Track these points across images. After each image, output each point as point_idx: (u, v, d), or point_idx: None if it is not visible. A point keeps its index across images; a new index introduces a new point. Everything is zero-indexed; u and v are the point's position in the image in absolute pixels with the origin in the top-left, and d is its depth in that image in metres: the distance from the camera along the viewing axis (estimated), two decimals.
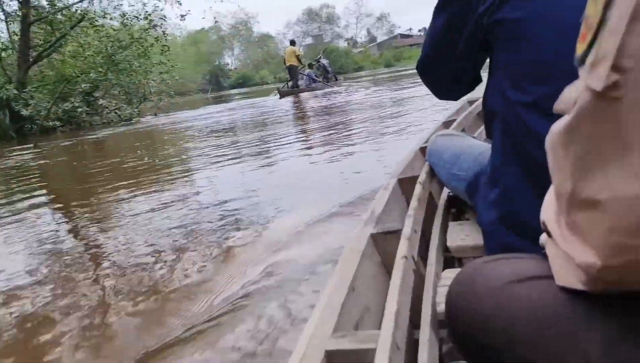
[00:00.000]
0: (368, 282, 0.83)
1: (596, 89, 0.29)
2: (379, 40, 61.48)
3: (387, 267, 0.92)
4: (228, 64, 60.79)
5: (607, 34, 0.28)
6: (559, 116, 0.35)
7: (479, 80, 1.01)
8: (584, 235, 0.35)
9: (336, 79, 17.66)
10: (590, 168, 0.32)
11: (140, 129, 10.42)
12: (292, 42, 16.96)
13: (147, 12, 14.51)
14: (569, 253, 0.37)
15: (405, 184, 1.33)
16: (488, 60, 0.91)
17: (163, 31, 14.69)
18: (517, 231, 0.79)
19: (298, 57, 15.91)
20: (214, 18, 16.21)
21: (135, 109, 14.35)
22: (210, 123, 9.47)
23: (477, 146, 1.16)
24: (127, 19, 14.18)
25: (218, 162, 4.51)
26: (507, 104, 0.80)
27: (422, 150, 1.59)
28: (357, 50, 58.47)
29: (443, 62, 0.98)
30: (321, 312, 0.64)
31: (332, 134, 5.21)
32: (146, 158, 5.55)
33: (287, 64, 15.85)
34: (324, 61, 17.47)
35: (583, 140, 0.32)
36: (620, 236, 0.31)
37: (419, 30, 70.00)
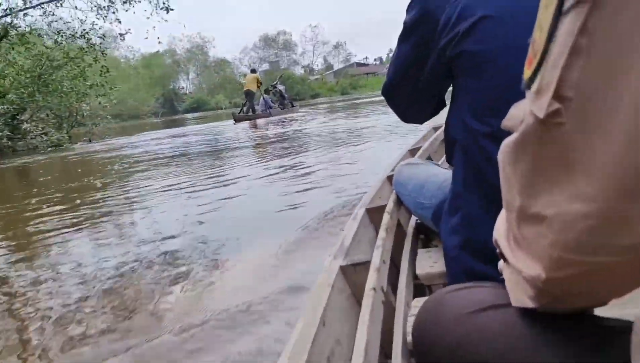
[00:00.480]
0: (339, 315, 0.83)
1: (539, 115, 0.30)
2: (335, 68, 61.96)
3: (358, 299, 0.91)
4: (183, 88, 59.46)
5: (550, 66, 0.29)
6: None
7: (443, 105, 1.03)
8: (530, 249, 0.36)
9: (292, 105, 17.30)
10: (536, 186, 0.33)
11: (70, 157, 9.23)
12: (254, 70, 16.72)
13: (84, 30, 13.47)
14: (518, 267, 0.38)
15: (374, 214, 1.35)
16: (451, 86, 0.91)
17: (102, 51, 13.55)
18: (479, 256, 0.81)
19: (259, 85, 15.53)
20: (158, 39, 15.77)
21: (65, 134, 13.08)
22: (146, 151, 8.69)
23: (440, 174, 1.19)
24: (61, 36, 12.98)
25: (143, 199, 3.93)
26: (467, 132, 0.82)
27: (390, 178, 1.61)
28: (314, 77, 58.67)
29: (407, 88, 0.99)
30: (292, 347, 0.64)
31: (286, 168, 4.72)
32: (53, 195, 4.59)
33: (245, 89, 15.26)
34: (281, 87, 16.99)
35: (529, 159, 0.33)
36: (561, 251, 0.32)
37: (375, 60, 71.62)
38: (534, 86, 0.31)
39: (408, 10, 0.92)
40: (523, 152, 0.33)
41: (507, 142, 0.35)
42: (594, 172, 0.29)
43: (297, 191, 3.46)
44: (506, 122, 0.36)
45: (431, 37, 0.85)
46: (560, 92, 0.29)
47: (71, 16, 13.26)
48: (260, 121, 13.44)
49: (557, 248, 0.33)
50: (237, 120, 14.43)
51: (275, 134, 8.85)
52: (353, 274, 0.96)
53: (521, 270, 0.38)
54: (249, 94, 15.31)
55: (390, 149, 4.51)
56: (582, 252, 0.31)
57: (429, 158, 2.06)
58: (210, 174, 4.78)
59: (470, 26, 0.77)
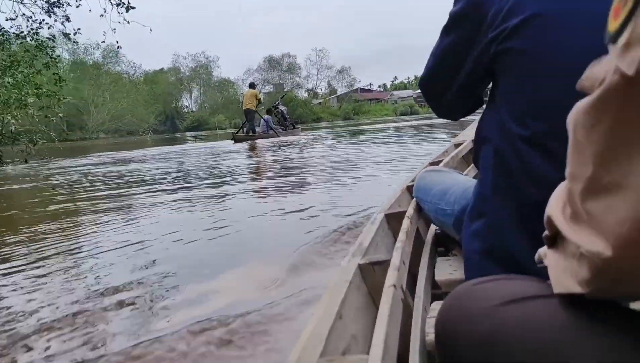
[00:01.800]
0: (355, 311, 0.81)
1: (627, 73, 0.27)
2: (339, 93, 62.11)
3: (374, 298, 0.90)
4: (187, 106, 59.56)
5: None
6: (556, 153, 0.38)
7: (480, 103, 0.98)
8: (596, 223, 0.33)
9: (294, 127, 16.80)
10: (613, 153, 0.30)
11: None
12: (252, 85, 15.81)
13: (31, 29, 11.05)
14: (576, 242, 0.35)
15: (393, 220, 1.33)
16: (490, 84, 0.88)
17: (51, 56, 11.21)
18: (501, 263, 0.78)
19: (259, 100, 14.83)
20: (117, 43, 12.44)
21: None
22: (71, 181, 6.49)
23: (464, 181, 1.17)
24: (2, 34, 10.77)
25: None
26: (503, 135, 0.78)
27: (409, 188, 1.61)
28: (317, 101, 58.72)
29: (445, 81, 0.95)
30: (307, 338, 0.64)
31: (286, 197, 4.02)
32: None
33: (245, 107, 14.72)
34: (282, 108, 16.60)
35: (609, 121, 0.30)
36: (632, 228, 0.29)
37: (379, 86, 72.02)
38: (622, 39, 0.27)
39: (455, 1, 0.86)
40: (603, 113, 0.30)
41: (581, 104, 0.32)
42: None
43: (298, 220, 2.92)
44: (583, 82, 0.32)
45: (477, 31, 0.81)
46: None
47: (14, 11, 11.04)
48: (260, 142, 12.93)
49: (627, 224, 0.29)
50: (237, 140, 13.92)
51: (275, 158, 8.32)
52: (371, 273, 0.94)
53: (581, 244, 0.34)
54: (248, 113, 14.70)
55: (398, 179, 3.91)
56: None
57: None
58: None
59: (520, 23, 0.72)
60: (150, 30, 11.02)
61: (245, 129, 14.98)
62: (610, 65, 0.29)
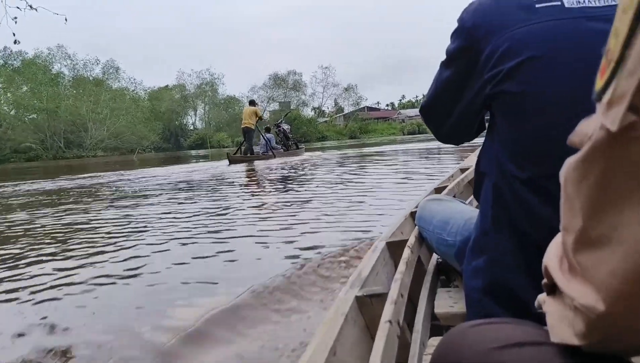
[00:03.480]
0: (350, 346, 0.80)
1: (611, 129, 0.28)
2: (345, 111, 61.01)
3: (372, 331, 0.89)
4: (193, 124, 58.79)
5: (625, 74, 0.28)
6: (554, 196, 0.36)
7: (483, 128, 0.96)
8: (588, 276, 0.33)
9: (297, 147, 15.55)
10: (603, 206, 0.31)
11: None
12: (252, 103, 14.55)
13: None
14: (570, 294, 0.35)
15: (394, 248, 1.32)
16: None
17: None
18: (502, 302, 0.78)
19: (259, 119, 13.56)
20: (14, 36, 8.74)
21: None
22: None
23: (466, 212, 1.15)
24: None
25: None
26: (502, 174, 0.79)
27: (413, 215, 1.58)
28: (324, 119, 57.67)
29: (444, 111, 0.95)
30: None
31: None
32: None
33: (243, 125, 13.48)
34: (285, 126, 15.37)
35: (596, 176, 0.31)
36: (622, 281, 0.30)
37: (387, 105, 71.14)
38: (606, 97, 0.29)
39: (452, 37, 0.86)
40: (590, 168, 0.31)
41: (572, 159, 0.33)
42: None
43: None
44: (573, 138, 0.33)
45: (473, 68, 0.80)
46: (636, 103, 0.27)
47: None
48: (259, 164, 11.71)
49: (618, 277, 0.30)
50: (232, 161, 12.64)
51: (272, 189, 7.03)
52: (369, 306, 0.92)
53: (574, 297, 0.34)
54: (247, 132, 13.48)
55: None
56: None
57: (454, 197, 1.91)
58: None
59: (516, 66, 0.72)
60: (65, 20, 8.71)
61: (243, 149, 13.74)
62: (597, 121, 0.30)
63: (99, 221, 4.29)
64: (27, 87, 38.70)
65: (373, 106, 67.05)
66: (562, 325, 0.38)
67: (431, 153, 9.96)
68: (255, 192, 6.15)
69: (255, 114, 13.47)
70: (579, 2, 0.70)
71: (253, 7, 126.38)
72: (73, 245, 3.35)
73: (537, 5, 0.72)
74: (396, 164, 9.02)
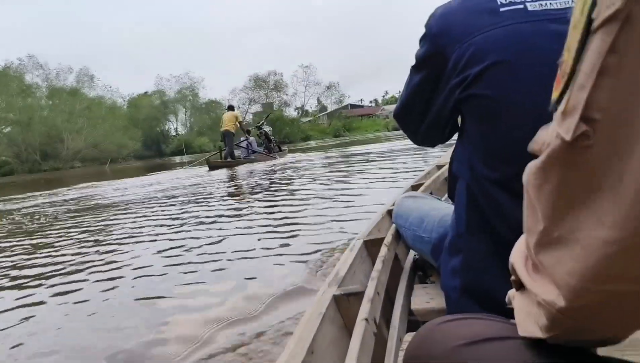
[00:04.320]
0: (328, 345, 0.81)
1: (565, 138, 0.30)
2: (329, 109, 60.44)
3: (349, 329, 0.88)
4: (176, 130, 57.68)
5: (577, 87, 0.29)
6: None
7: (456, 130, 0.94)
8: (550, 274, 0.35)
9: (280, 149, 15.06)
10: (561, 210, 0.33)
11: None
12: (231, 108, 13.96)
13: None
14: (534, 291, 0.37)
15: (371, 246, 1.33)
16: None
17: None
18: (479, 300, 0.80)
19: (240, 124, 13.05)
20: None
21: None
22: None
23: (441, 208, 1.17)
24: None
25: None
26: (474, 176, 0.80)
27: (390, 212, 1.58)
28: (307, 119, 57.05)
29: (417, 115, 0.96)
30: None
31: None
32: None
33: (223, 129, 12.93)
34: (267, 128, 14.80)
35: (555, 182, 0.33)
36: (580, 279, 0.31)
37: (370, 102, 70.80)
38: (561, 108, 0.30)
39: (420, 43, 0.87)
40: (549, 175, 0.33)
41: (532, 165, 0.35)
42: (619, 198, 0.28)
43: None
44: (533, 146, 0.35)
45: (441, 74, 0.82)
46: (587, 114, 0.28)
47: None
48: (241, 169, 11.19)
49: (576, 276, 0.31)
50: (212, 167, 12.08)
51: (256, 196, 6.52)
52: (346, 304, 0.93)
53: (538, 294, 0.36)
54: (227, 136, 12.93)
55: None
56: (599, 281, 0.31)
57: (431, 194, 1.97)
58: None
59: (481, 70, 0.74)
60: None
61: (223, 153, 13.19)
62: (553, 130, 0.31)
63: None
64: (1, 100, 37.40)
65: (356, 103, 66.56)
66: (528, 320, 0.39)
67: (417, 151, 9.51)
68: (237, 203, 5.62)
69: (235, 119, 13.04)
70: (542, 4, 0.71)
71: (232, 13, 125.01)
72: None
73: (500, 9, 0.73)
74: (382, 165, 8.56)
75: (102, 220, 5.08)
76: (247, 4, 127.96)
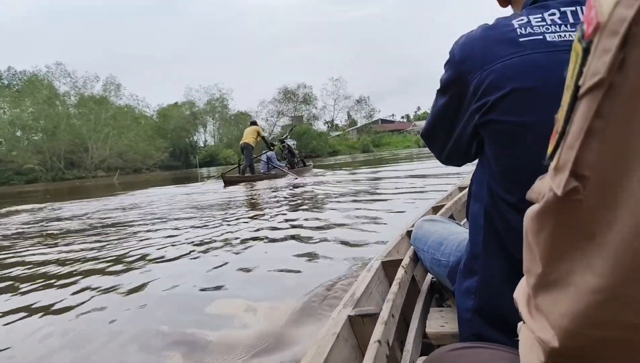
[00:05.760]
0: None
1: (556, 192, 0.31)
2: (358, 124, 59.18)
3: (363, 351, 0.90)
4: (206, 141, 57.58)
5: (567, 146, 0.31)
6: None
7: (480, 153, 0.95)
8: (546, 315, 0.37)
9: (304, 164, 13.89)
10: (557, 255, 0.34)
11: None
12: (254, 123, 13.19)
13: None
14: (532, 328, 0.39)
15: (389, 267, 1.34)
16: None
17: None
18: (492, 322, 0.81)
19: (263, 138, 12.36)
20: None
21: None
22: None
23: (460, 233, 1.19)
24: None
25: None
26: (492, 198, 0.82)
27: (409, 233, 1.59)
28: (336, 133, 55.94)
29: (442, 136, 0.98)
30: None
31: None
32: None
33: (242, 142, 11.99)
34: (290, 142, 13.66)
35: (549, 230, 0.34)
36: (570, 322, 0.33)
37: (402, 117, 69.29)
38: (553, 163, 0.32)
39: (445, 68, 0.90)
40: (544, 222, 0.34)
41: (530, 211, 0.36)
42: (607, 249, 0.30)
43: None
44: (530, 194, 0.36)
45: (463, 98, 0.85)
46: (577, 171, 0.30)
47: None
48: (259, 185, 10.05)
49: (567, 319, 0.33)
50: (228, 183, 10.97)
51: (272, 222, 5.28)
52: (360, 325, 0.94)
53: (535, 331, 0.37)
54: (246, 149, 11.98)
55: None
56: (589, 326, 0.32)
57: (452, 217, 2.04)
58: None
59: (500, 97, 0.76)
60: None
61: (241, 167, 12.11)
62: (548, 183, 0.33)
63: None
64: (32, 108, 37.74)
65: (387, 118, 65.19)
66: (531, 353, 0.39)
67: (451, 172, 8.15)
68: (248, 229, 4.36)
69: (258, 133, 12.29)
70: (560, 35, 0.73)
71: (265, 27, 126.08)
72: None
73: (520, 39, 0.75)
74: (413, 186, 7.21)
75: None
76: (281, 18, 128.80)
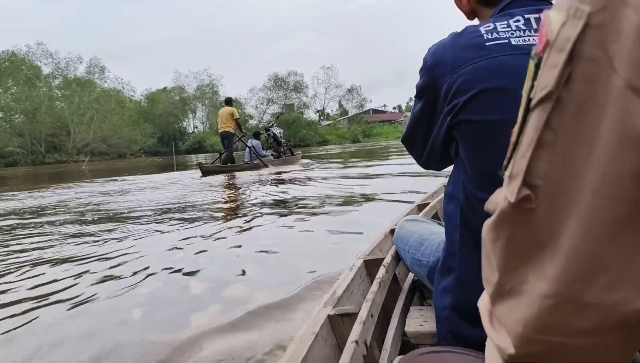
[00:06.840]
0: None
1: (510, 201, 0.32)
2: (350, 113, 58.43)
3: (342, 350, 0.89)
4: (197, 128, 56.53)
5: (519, 156, 0.32)
6: None
7: (457, 155, 1.01)
8: (503, 323, 0.37)
9: (292, 153, 13.30)
10: (512, 264, 0.35)
11: None
12: (228, 101, 11.77)
13: None
14: (491, 336, 0.39)
15: (371, 266, 1.35)
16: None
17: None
18: (468, 319, 0.83)
19: (237, 122, 11.13)
20: None
21: None
22: None
23: (441, 234, 1.19)
24: None
25: None
26: (466, 197, 0.84)
27: (393, 232, 1.59)
28: (327, 122, 55.19)
29: (421, 141, 1.00)
30: None
31: None
32: None
33: (221, 130, 11.10)
34: (276, 130, 13.02)
35: (505, 239, 0.35)
36: (525, 329, 0.34)
37: (394, 108, 68.63)
38: (507, 172, 0.33)
39: (419, 74, 0.93)
40: (500, 232, 0.35)
41: (487, 222, 0.37)
42: (557, 255, 0.31)
43: None
44: (487, 205, 0.37)
45: (436, 103, 0.88)
46: (528, 180, 0.31)
47: None
48: (240, 176, 9.40)
49: (521, 325, 0.34)
50: (206, 172, 10.30)
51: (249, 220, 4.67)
52: (340, 324, 0.94)
53: (493, 339, 0.38)
54: (225, 137, 11.09)
55: None
56: (541, 331, 0.33)
57: (436, 215, 2.09)
58: None
59: (470, 98, 0.78)
60: None
61: (222, 157, 11.40)
62: (503, 192, 0.34)
63: None
64: (14, 89, 36.50)
65: (379, 109, 64.51)
66: (495, 357, 0.40)
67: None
68: (222, 222, 3.75)
69: (231, 116, 10.98)
70: (524, 40, 0.77)
71: (260, 18, 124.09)
72: None
73: (486, 44, 0.79)
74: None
75: None
76: (277, 10, 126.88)
